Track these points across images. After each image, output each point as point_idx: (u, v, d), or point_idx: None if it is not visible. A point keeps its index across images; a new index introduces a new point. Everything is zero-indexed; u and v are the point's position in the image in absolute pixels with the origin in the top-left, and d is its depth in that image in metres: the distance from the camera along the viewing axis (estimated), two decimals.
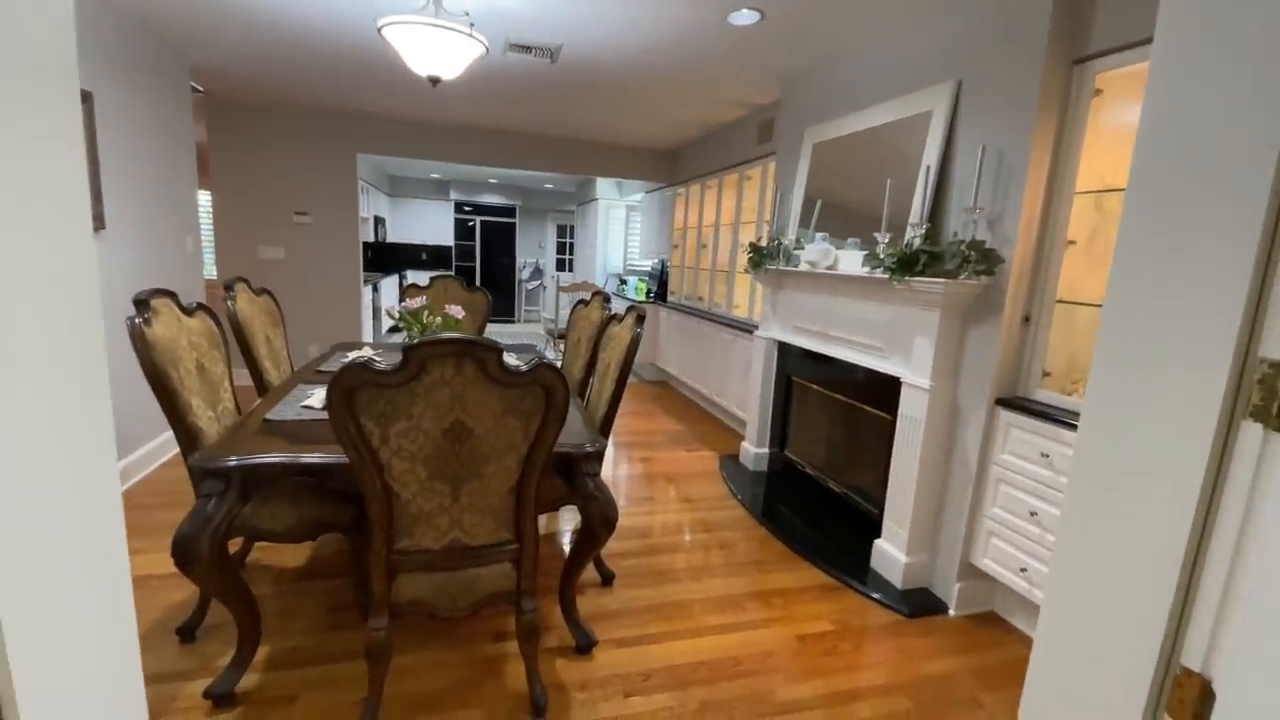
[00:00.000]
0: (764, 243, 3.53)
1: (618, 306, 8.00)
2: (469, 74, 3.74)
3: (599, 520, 1.87)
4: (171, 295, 2.01)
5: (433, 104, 4.67)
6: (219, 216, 5.04)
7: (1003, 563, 2.18)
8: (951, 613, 2.33)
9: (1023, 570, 2.10)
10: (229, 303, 2.44)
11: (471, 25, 2.27)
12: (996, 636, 2.22)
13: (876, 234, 2.52)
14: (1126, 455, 1.01)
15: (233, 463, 1.61)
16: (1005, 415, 2.16)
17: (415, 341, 1.34)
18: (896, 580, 2.47)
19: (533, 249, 10.64)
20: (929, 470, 2.39)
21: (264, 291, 2.82)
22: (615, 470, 3.71)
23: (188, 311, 2.08)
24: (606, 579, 2.42)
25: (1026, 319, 2.17)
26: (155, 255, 3.35)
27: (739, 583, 2.49)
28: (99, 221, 2.79)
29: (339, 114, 5.09)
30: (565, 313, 6.63)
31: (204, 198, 5.07)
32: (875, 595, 2.42)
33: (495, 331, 9.26)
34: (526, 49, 3.16)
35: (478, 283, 10.31)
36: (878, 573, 2.56)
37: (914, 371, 2.41)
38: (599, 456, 1.91)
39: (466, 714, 1.72)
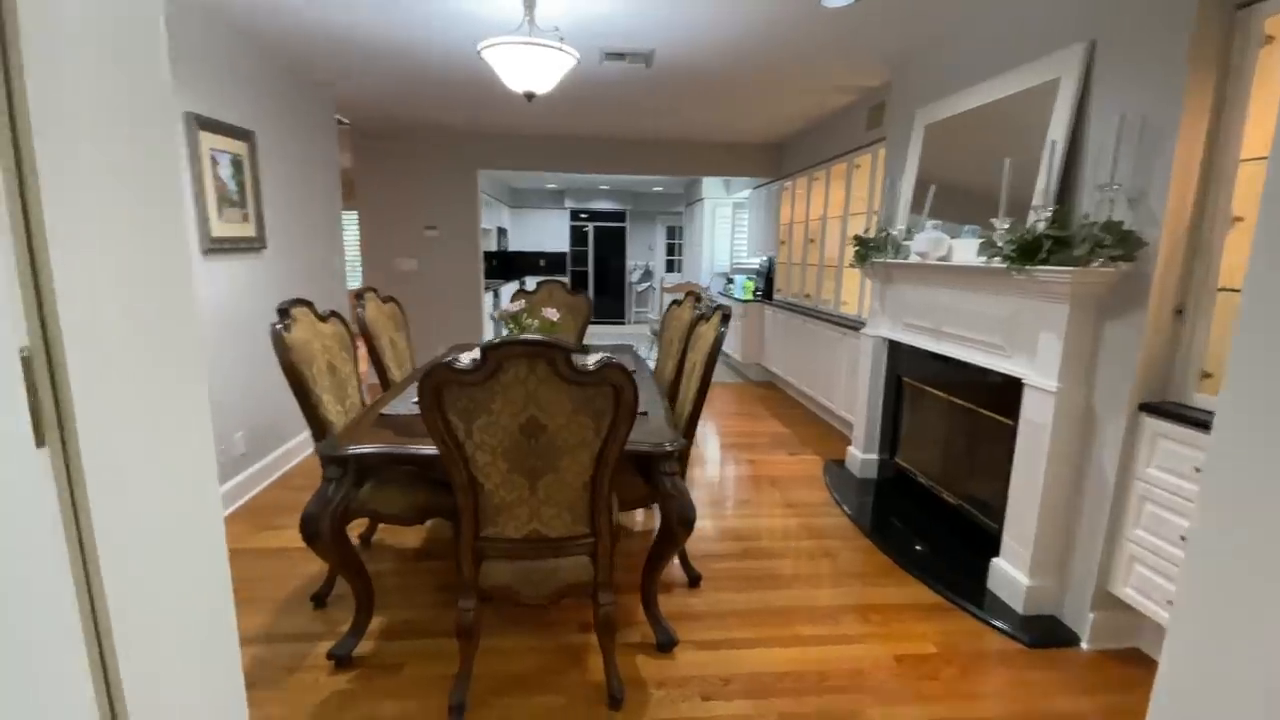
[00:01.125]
0: (871, 234, 3.33)
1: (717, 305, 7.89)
2: (572, 87, 3.89)
3: (676, 519, 1.87)
4: (309, 304, 2.29)
5: (543, 119, 4.92)
6: (364, 233, 5.66)
7: (1148, 593, 1.88)
8: (1084, 646, 2.05)
9: (1171, 603, 1.80)
10: (359, 310, 2.74)
11: (561, 39, 2.36)
12: (1139, 676, 1.92)
13: (994, 219, 2.28)
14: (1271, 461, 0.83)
15: (349, 452, 1.81)
16: (1151, 423, 1.86)
17: (492, 343, 1.43)
18: (1017, 605, 2.21)
19: (643, 252, 10.83)
20: (1056, 483, 2.12)
21: (390, 299, 3.13)
22: (714, 471, 3.68)
23: (322, 318, 2.36)
24: (693, 580, 2.41)
25: (1179, 311, 1.86)
26: (307, 270, 3.83)
27: (835, 594, 2.37)
28: (260, 242, 3.25)
29: (461, 134, 5.51)
30: None
31: (352, 217, 5.73)
32: (990, 619, 2.19)
33: (606, 333, 9.54)
34: (620, 56, 3.23)
35: (590, 286, 10.68)
36: (995, 595, 2.32)
37: (1038, 372, 2.15)
38: (678, 456, 1.91)
39: (547, 699, 1.80)
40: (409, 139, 5.48)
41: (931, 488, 3.05)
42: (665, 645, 2.01)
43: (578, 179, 9.02)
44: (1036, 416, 2.14)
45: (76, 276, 0.57)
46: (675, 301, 3.11)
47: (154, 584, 0.76)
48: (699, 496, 3.27)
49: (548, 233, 10.43)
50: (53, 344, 0.55)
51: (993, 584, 2.35)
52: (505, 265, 9.71)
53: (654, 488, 1.90)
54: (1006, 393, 2.35)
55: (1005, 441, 2.37)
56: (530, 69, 2.45)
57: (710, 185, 7.87)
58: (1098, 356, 2.02)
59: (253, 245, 3.19)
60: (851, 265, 3.52)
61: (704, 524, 2.95)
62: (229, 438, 3.02)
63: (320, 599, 2.23)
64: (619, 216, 10.56)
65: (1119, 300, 1.94)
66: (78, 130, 0.60)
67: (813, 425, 4.64)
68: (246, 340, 3.15)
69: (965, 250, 2.55)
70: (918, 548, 2.71)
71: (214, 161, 2.88)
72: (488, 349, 1.43)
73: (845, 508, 3.14)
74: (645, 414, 2.16)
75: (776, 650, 2.03)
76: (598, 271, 10.74)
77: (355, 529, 2.71)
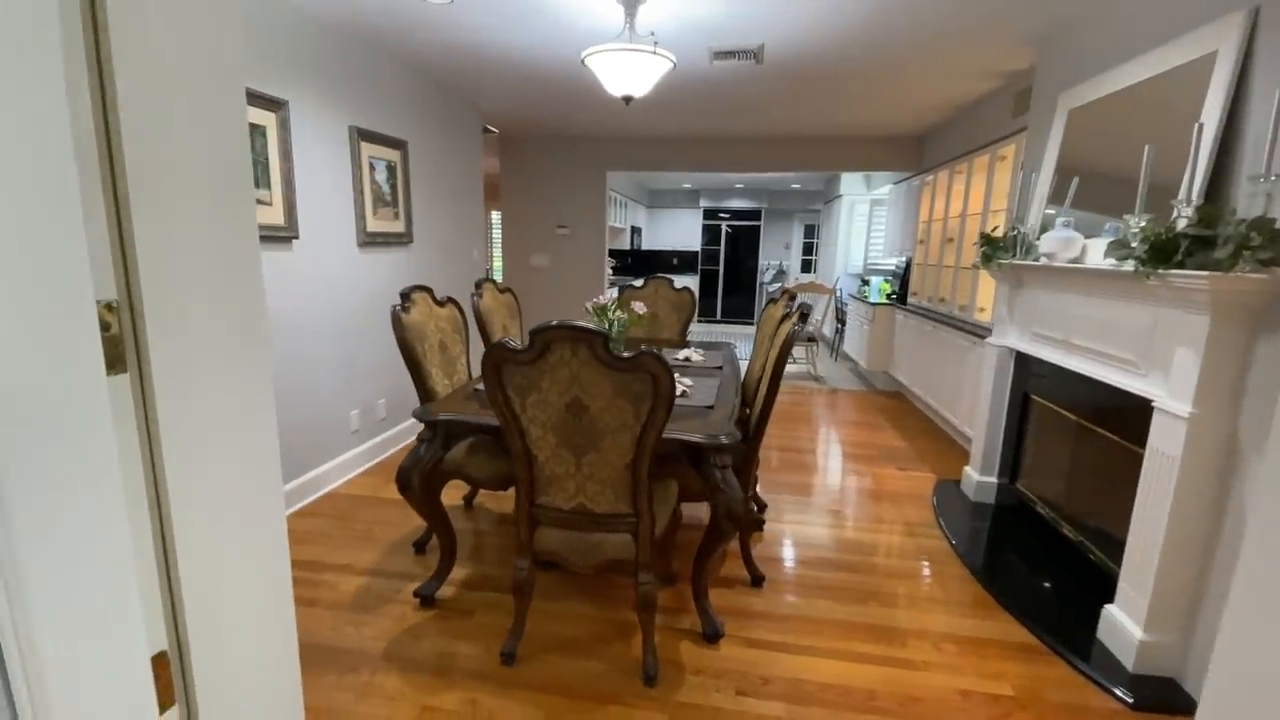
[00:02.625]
0: (1000, 232, 3.01)
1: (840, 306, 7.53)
2: (690, 88, 3.97)
3: (723, 514, 1.89)
4: (428, 290, 2.63)
5: (670, 120, 5.05)
6: (505, 231, 6.22)
7: None
8: None
9: None
10: (474, 298, 3.07)
11: (656, 44, 2.46)
12: None
13: (1128, 216, 1.98)
14: None
15: (439, 418, 2.07)
16: None
17: (540, 326, 1.57)
18: (1127, 660, 1.92)
19: (778, 251, 10.58)
20: (1185, 525, 1.80)
21: (507, 290, 3.45)
22: (809, 478, 3.57)
23: (440, 303, 2.69)
24: (755, 580, 2.39)
25: None
26: (448, 263, 4.33)
27: (910, 616, 2.22)
28: (408, 236, 3.75)
29: (590, 138, 5.84)
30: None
31: (498, 217, 6.30)
32: (1092, 672, 1.92)
33: (732, 332, 9.48)
34: (730, 55, 3.25)
35: (719, 285, 10.67)
36: (1104, 645, 2.02)
37: (1171, 394, 1.84)
38: (730, 450, 1.92)
39: (590, 664, 1.92)
40: (545, 144, 5.91)
41: (1052, 520, 2.70)
42: (711, 636, 2.04)
43: (712, 178, 9.07)
44: (1166, 445, 1.83)
45: (158, 241, 0.73)
46: (772, 300, 3.07)
47: (215, 506, 0.81)
48: (783, 500, 3.20)
49: (682, 232, 10.60)
50: (134, 297, 0.73)
51: (1103, 633, 2.05)
52: (640, 263, 10.04)
53: (704, 480, 1.94)
54: (1141, 417, 2.03)
55: (1136, 473, 2.05)
56: (628, 74, 2.58)
57: (849, 181, 7.50)
58: (1247, 379, 1.69)
59: (401, 239, 3.69)
60: (975, 266, 3.21)
61: (780, 528, 2.89)
62: (373, 403, 3.54)
63: (420, 546, 2.57)
64: (754, 215, 10.42)
65: (1277, 313, 1.61)
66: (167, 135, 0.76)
67: (933, 440, 4.28)
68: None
69: (1101, 251, 2.24)
70: (1021, 582, 2.43)
71: (371, 167, 3.38)
72: (535, 332, 1.57)
73: (948, 531, 2.89)
74: (711, 408, 2.20)
75: (827, 661, 1.97)
76: (729, 271, 10.70)
77: (459, 491, 3.06)
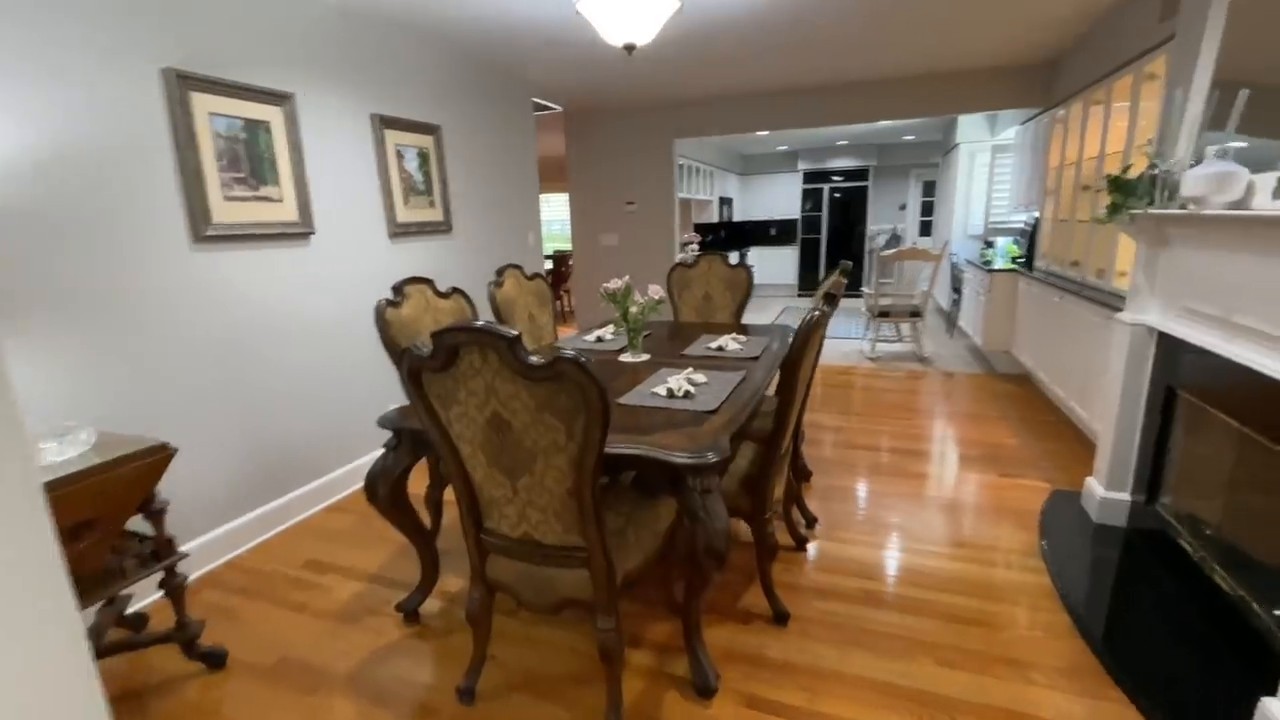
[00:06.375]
0: (1135, 172, 2.27)
1: (971, 275, 6.55)
2: (737, 29, 3.47)
3: (702, 548, 1.53)
4: (428, 282, 2.47)
5: (736, 75, 4.53)
6: (575, 212, 6.03)
7: None
8: None
9: None
10: (492, 287, 2.87)
11: None
12: None
13: None
14: None
15: (404, 425, 1.89)
16: None
17: (440, 329, 1.31)
18: None
19: (892, 213, 9.48)
20: None
21: (536, 276, 3.23)
22: (878, 483, 3.02)
23: (442, 295, 2.52)
24: (779, 616, 1.99)
25: None
26: (497, 249, 4.21)
27: (968, 683, 1.72)
28: (446, 225, 3.65)
29: (655, 106, 5.44)
30: (910, 285, 5.73)
31: (561, 199, 6.13)
32: None
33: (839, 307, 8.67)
34: None
35: (822, 255, 9.79)
36: None
37: None
38: (711, 470, 1.55)
39: (554, 710, 1.67)
40: (609, 117, 5.61)
41: (1201, 561, 2.01)
42: (702, 690, 1.70)
43: (811, 137, 8.25)
44: None
45: None
46: (828, 276, 2.58)
47: None
48: (844, 512, 2.71)
49: (780, 198, 9.83)
50: None
51: None
52: (733, 236, 9.47)
53: (680, 506, 1.58)
54: None
55: None
56: (627, 19, 2.20)
57: (969, 126, 6.41)
58: None
59: (439, 228, 3.60)
60: (1098, 219, 2.47)
61: (830, 546, 2.44)
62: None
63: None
64: (861, 175, 9.39)
65: None
66: None
67: (1056, 439, 3.49)
68: None
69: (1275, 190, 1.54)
70: (1148, 646, 1.81)
71: (400, 155, 3.29)
72: (436, 335, 1.31)
73: (1053, 563, 2.27)
74: (712, 413, 1.82)
75: None
76: (835, 238, 9.78)
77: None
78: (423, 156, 3.45)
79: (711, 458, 1.52)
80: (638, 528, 1.69)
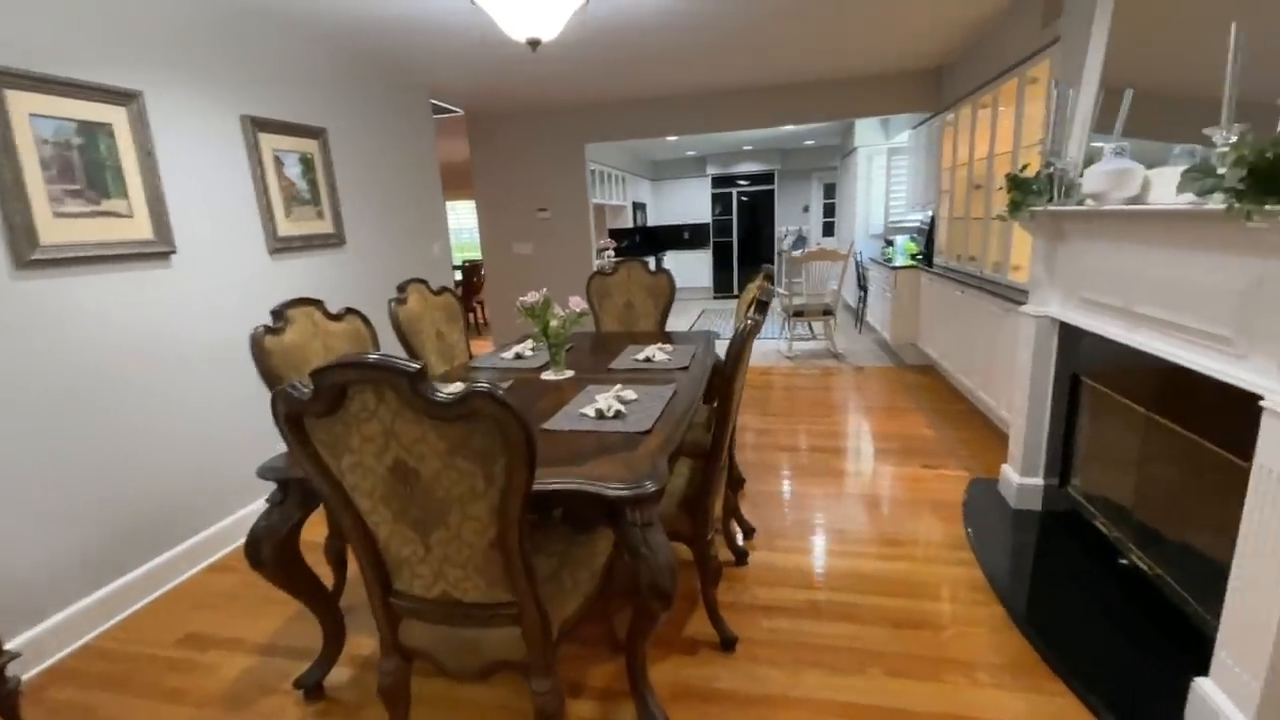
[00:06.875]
0: (1031, 172, 2.37)
1: (877, 275, 6.82)
2: (647, 28, 3.39)
3: (645, 587, 1.39)
4: (317, 304, 2.18)
5: (644, 78, 4.46)
6: (483, 221, 5.75)
7: None
8: None
9: None
10: (393, 305, 2.61)
11: None
12: None
13: (1210, 130, 1.36)
14: None
15: (290, 475, 1.63)
16: None
17: (322, 366, 1.09)
18: None
19: (797, 215, 9.82)
20: None
21: (444, 290, 2.98)
22: (811, 485, 3.02)
23: (335, 316, 2.24)
24: (726, 643, 1.89)
25: None
26: (398, 262, 3.89)
27: (924, 693, 1.68)
28: (338, 238, 3.32)
29: (565, 109, 5.28)
30: (821, 285, 5.87)
31: (471, 206, 5.84)
32: None
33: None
34: None
35: (735, 257, 9.99)
36: None
37: None
38: (651, 500, 1.41)
39: None
40: (516, 121, 5.39)
41: (1117, 542, 2.10)
42: None
43: (717, 142, 8.37)
44: None
45: None
46: (751, 281, 2.53)
47: None
48: (778, 518, 2.67)
49: (691, 203, 9.93)
50: None
51: (1192, 714, 1.48)
52: (648, 240, 9.45)
53: (619, 541, 1.44)
54: (1240, 413, 1.42)
55: (1236, 489, 1.45)
56: (530, 11, 2.04)
57: (865, 130, 6.72)
58: None
59: (329, 241, 3.26)
60: (1000, 217, 2.57)
61: (769, 556, 2.37)
62: None
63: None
64: (766, 178, 9.66)
65: None
66: None
67: (968, 428, 3.65)
68: None
69: (1173, 185, 1.61)
70: (1078, 631, 1.86)
71: (279, 162, 2.94)
72: (315, 374, 1.09)
73: (982, 555, 2.32)
74: (646, 434, 1.69)
75: None
76: (746, 240, 9.99)
77: None
78: (306, 162, 3.11)
79: (651, 487, 1.39)
80: (573, 568, 1.53)
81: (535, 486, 1.26)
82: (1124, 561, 2.04)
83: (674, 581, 1.40)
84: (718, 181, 9.82)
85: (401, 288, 2.71)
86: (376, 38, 3.24)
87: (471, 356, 3.02)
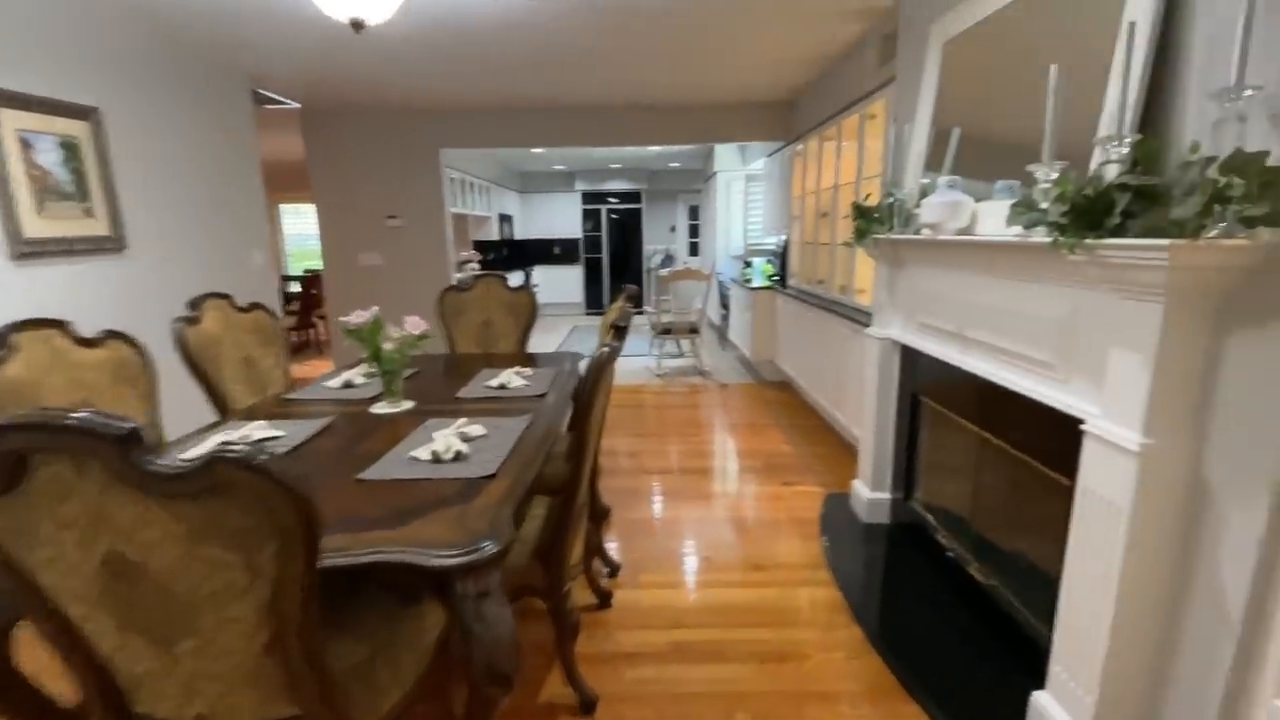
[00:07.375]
0: (873, 201, 2.48)
1: (737, 295, 7.05)
2: (521, 37, 3.18)
3: (481, 669, 1.16)
4: (57, 324, 1.71)
5: (502, 85, 4.22)
6: (324, 227, 5.14)
7: None
8: None
9: None
10: (179, 327, 2.13)
11: None
12: None
13: (1034, 167, 1.43)
14: None
15: None
16: None
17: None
18: None
19: (664, 234, 10.02)
20: (1140, 595, 1.29)
21: (256, 306, 2.52)
22: (672, 509, 2.94)
23: (87, 343, 1.77)
24: (586, 705, 1.69)
25: None
26: (205, 273, 3.30)
27: None
28: (115, 241, 2.71)
29: (419, 112, 4.90)
30: (687, 304, 5.92)
31: (305, 210, 5.20)
32: None
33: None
34: None
35: (605, 273, 9.98)
36: None
37: (1109, 413, 1.31)
38: (489, 565, 1.19)
39: None
40: (361, 119, 4.90)
41: (955, 554, 2.21)
42: None
43: (585, 158, 8.30)
44: (1105, 486, 1.30)
45: None
46: (614, 301, 2.39)
47: None
48: (645, 548, 2.54)
49: (561, 218, 9.77)
50: None
51: None
52: (516, 254, 9.12)
53: (450, 615, 1.20)
54: (1064, 435, 1.50)
55: (1063, 506, 1.53)
56: None
57: (724, 156, 6.98)
58: (1215, 393, 1.17)
59: (103, 245, 2.66)
60: (847, 244, 2.67)
61: (635, 595, 2.22)
62: None
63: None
64: (634, 197, 9.77)
65: (1263, 296, 1.08)
66: None
67: (823, 443, 3.80)
68: None
69: (997, 217, 1.70)
70: (928, 647, 1.90)
71: (25, 145, 2.33)
72: None
73: (838, 572, 2.34)
74: (491, 478, 1.46)
75: None
76: (616, 257, 10.01)
77: None
78: (69, 148, 2.51)
79: (489, 549, 1.16)
80: (393, 653, 1.26)
81: (336, 562, 1.00)
82: (973, 573, 2.14)
83: (515, 661, 1.18)
84: (588, 198, 9.75)
85: (194, 304, 2.24)
86: (176, 7, 2.71)
87: (292, 385, 2.58)
